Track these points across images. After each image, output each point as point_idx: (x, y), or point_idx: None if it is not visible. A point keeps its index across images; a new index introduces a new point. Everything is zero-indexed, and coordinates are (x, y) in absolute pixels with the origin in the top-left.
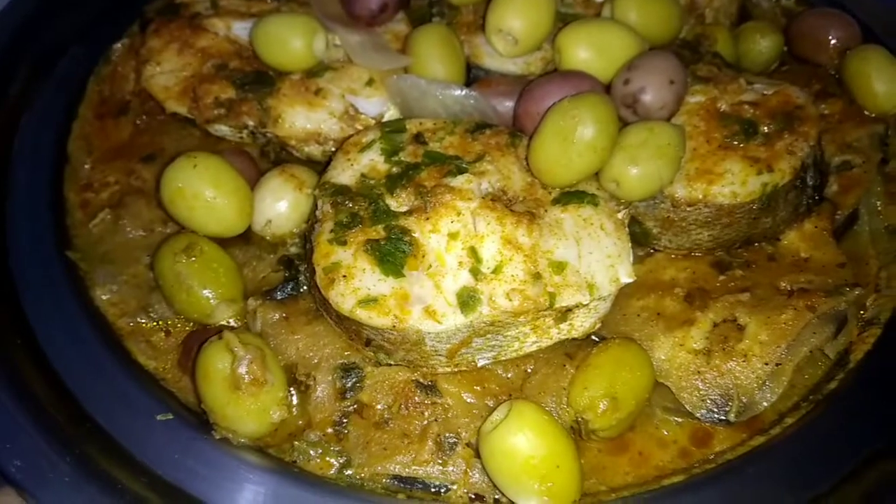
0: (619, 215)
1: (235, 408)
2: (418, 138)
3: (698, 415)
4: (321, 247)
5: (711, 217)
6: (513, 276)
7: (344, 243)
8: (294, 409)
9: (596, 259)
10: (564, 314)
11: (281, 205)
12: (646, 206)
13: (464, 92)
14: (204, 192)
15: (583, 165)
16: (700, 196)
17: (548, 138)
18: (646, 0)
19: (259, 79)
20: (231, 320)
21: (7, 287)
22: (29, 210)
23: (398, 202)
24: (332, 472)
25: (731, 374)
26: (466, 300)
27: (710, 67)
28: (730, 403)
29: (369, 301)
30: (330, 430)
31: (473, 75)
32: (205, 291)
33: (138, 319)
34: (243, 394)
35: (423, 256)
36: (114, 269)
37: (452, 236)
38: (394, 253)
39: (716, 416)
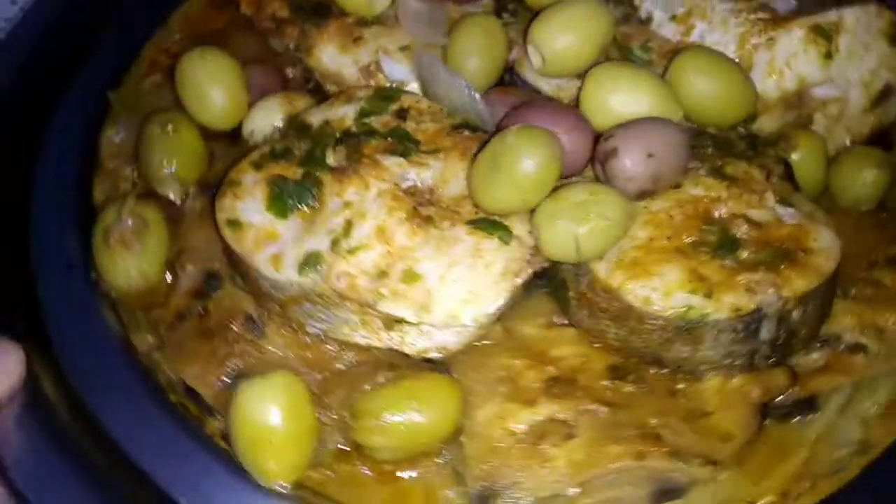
0: (518, 266)
1: (102, 258)
2: (401, 113)
3: (470, 489)
4: (241, 164)
5: (620, 314)
6: (360, 262)
7: (259, 168)
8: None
9: (456, 289)
10: (392, 323)
11: (267, 121)
12: (573, 274)
13: (468, 91)
14: (202, 82)
15: (503, 197)
16: (615, 285)
17: (483, 159)
18: (707, 69)
19: (316, 10)
20: (172, 195)
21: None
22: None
23: (335, 158)
24: (144, 348)
25: (525, 470)
26: (307, 262)
27: (751, 169)
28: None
29: (236, 224)
30: (172, 318)
31: (510, 81)
32: (164, 161)
33: None
34: (110, 249)
35: (318, 214)
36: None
37: (346, 205)
38: (290, 197)
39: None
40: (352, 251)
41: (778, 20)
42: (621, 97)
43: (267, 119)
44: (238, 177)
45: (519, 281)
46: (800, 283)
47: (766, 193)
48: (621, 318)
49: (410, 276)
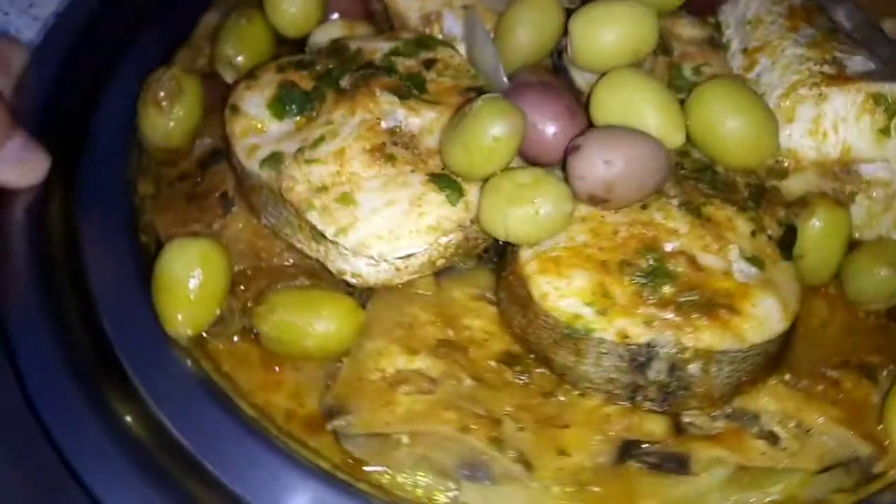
0: (450, 226)
1: (140, 107)
2: (428, 63)
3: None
4: (269, 63)
5: (524, 303)
6: (310, 173)
7: (280, 71)
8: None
9: (379, 224)
10: (317, 236)
11: (325, 39)
12: (511, 255)
13: (494, 58)
14: None
15: (454, 158)
16: (526, 273)
17: (453, 119)
18: (725, 101)
19: None
20: (227, 78)
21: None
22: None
23: (347, 82)
24: (143, 192)
25: (369, 404)
26: (270, 158)
27: (736, 218)
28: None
29: (236, 109)
30: (175, 177)
31: (556, 66)
32: (229, 46)
33: None
34: (145, 104)
35: (307, 125)
36: None
37: (328, 123)
38: (291, 102)
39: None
40: (308, 161)
41: (840, 78)
42: (627, 106)
43: (325, 37)
44: (259, 72)
45: (444, 240)
46: (707, 339)
47: (731, 246)
48: (525, 307)
49: (345, 199)
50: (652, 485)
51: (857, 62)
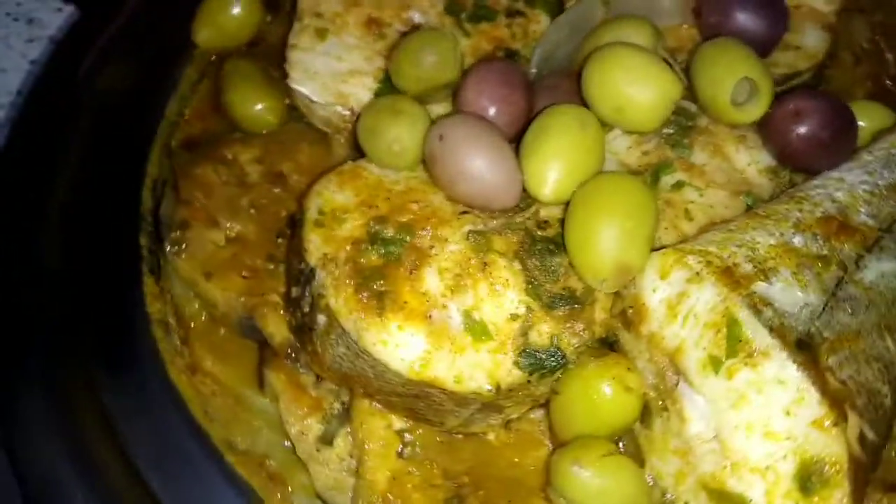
0: None
1: None
2: None
3: None
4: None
5: None
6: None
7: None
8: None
9: None
10: None
11: None
12: None
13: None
14: None
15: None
16: None
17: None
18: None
19: None
20: None
21: None
22: None
23: None
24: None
25: None
26: None
27: (511, 276)
28: None
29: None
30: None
31: None
32: None
33: None
34: None
35: None
36: None
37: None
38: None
39: None
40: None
41: (729, 275)
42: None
43: None
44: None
45: None
46: (343, 307)
47: (477, 290)
48: None
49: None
50: None
51: (779, 284)
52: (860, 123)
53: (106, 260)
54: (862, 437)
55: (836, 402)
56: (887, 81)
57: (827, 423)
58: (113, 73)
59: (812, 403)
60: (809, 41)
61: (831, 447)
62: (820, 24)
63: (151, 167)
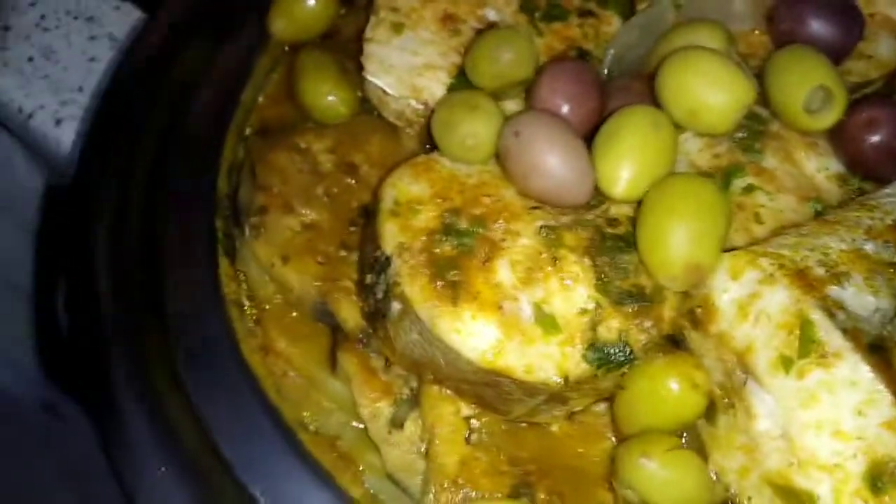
0: None
1: None
2: None
3: None
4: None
5: None
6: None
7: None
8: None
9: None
10: None
11: None
12: None
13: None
14: None
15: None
16: None
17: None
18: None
19: None
20: None
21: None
22: None
23: None
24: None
25: None
26: None
27: (581, 270)
28: None
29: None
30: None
31: None
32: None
33: None
34: None
35: None
36: None
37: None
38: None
39: None
40: None
41: (806, 280)
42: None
43: None
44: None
45: None
46: (417, 294)
47: (548, 284)
48: None
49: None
50: None
51: (851, 289)
52: None
53: (184, 243)
54: None
55: None
56: None
57: None
58: (189, 61)
59: (884, 405)
60: (883, 50)
61: None
62: (894, 34)
63: (227, 152)
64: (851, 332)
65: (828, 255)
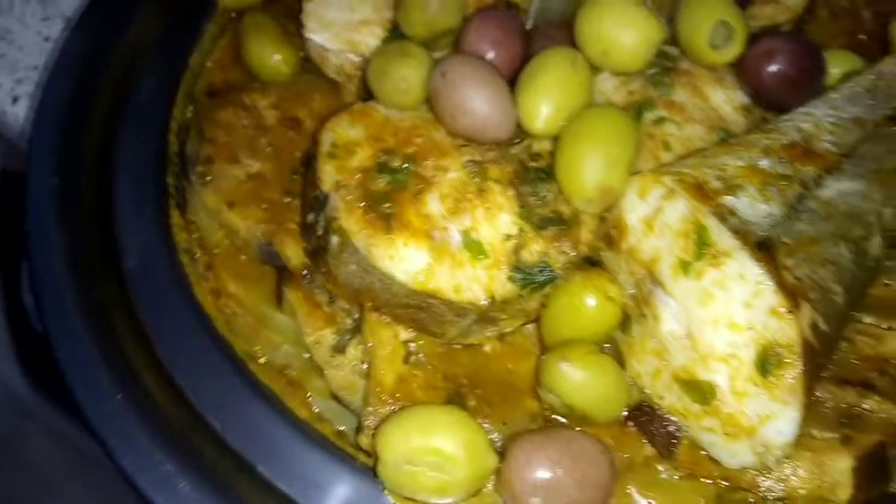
0: None
1: None
2: None
3: None
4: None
5: None
6: None
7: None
8: None
9: None
10: None
11: None
12: None
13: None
14: None
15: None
16: None
17: None
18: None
19: None
20: None
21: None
22: None
23: None
24: None
25: None
26: None
27: (506, 200)
28: None
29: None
30: None
31: None
32: None
33: None
34: None
35: None
36: None
37: None
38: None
39: None
40: None
41: (703, 191)
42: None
43: None
44: None
45: None
46: (354, 226)
47: (474, 213)
48: None
49: None
50: None
51: (744, 198)
52: (833, 70)
53: (137, 199)
54: (814, 326)
55: (791, 293)
56: (861, 36)
57: (782, 310)
58: (138, 32)
59: (769, 294)
60: None
61: (786, 332)
62: None
63: (177, 112)
64: (741, 233)
65: (725, 171)
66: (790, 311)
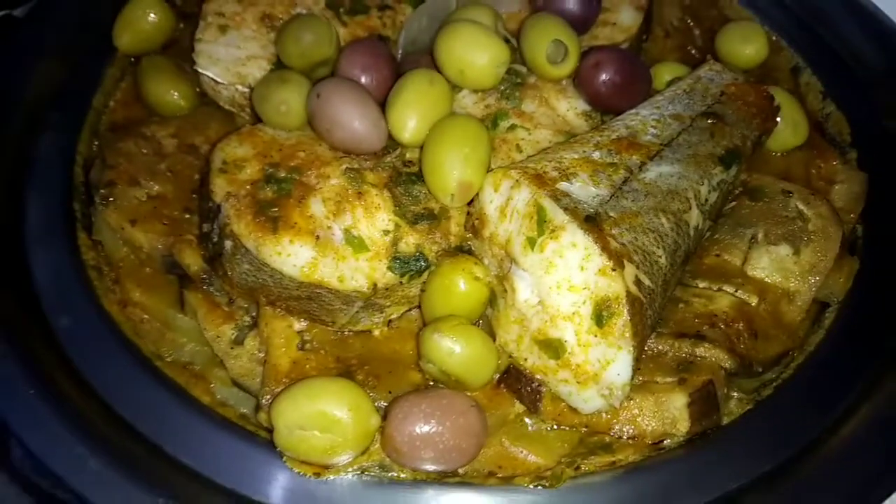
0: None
1: None
2: None
3: None
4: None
5: None
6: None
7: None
8: None
9: None
10: None
11: None
12: None
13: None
14: None
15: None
16: None
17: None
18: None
19: None
20: None
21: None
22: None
23: None
24: None
25: None
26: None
27: (383, 202)
28: None
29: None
30: None
31: None
32: None
33: None
34: None
35: None
36: None
37: None
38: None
39: None
40: None
41: (539, 178)
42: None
43: None
44: None
45: None
46: (244, 229)
47: (354, 214)
48: None
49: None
50: None
51: (577, 183)
52: (665, 78)
53: (48, 224)
54: (638, 282)
55: (615, 255)
56: (693, 51)
57: (609, 269)
58: (44, 76)
59: (596, 257)
60: (624, 18)
61: (613, 287)
62: (634, 5)
63: (82, 147)
64: (572, 210)
65: (562, 162)
66: (614, 270)
